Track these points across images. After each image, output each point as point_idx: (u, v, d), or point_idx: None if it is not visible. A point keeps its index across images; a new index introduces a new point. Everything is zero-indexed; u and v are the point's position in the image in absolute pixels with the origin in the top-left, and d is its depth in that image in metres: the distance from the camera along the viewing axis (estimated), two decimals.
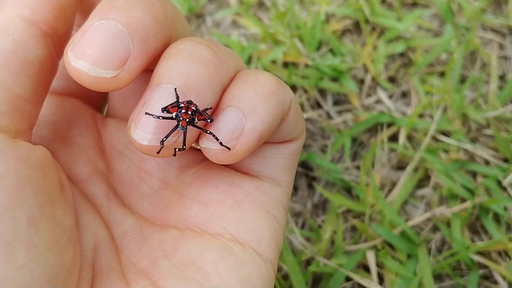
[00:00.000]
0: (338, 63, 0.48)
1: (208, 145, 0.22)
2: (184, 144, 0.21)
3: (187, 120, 0.21)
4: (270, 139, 0.25)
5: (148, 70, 0.23)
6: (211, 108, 0.22)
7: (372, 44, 0.51)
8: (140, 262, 0.24)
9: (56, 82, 0.27)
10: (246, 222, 0.24)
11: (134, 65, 0.21)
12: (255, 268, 0.24)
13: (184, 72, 0.21)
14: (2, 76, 0.20)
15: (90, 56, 0.20)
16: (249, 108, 0.22)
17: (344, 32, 0.53)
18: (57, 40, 0.23)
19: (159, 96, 0.21)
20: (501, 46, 0.52)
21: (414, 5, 0.55)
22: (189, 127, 0.21)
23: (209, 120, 0.22)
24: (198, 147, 0.26)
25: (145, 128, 0.21)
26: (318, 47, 0.51)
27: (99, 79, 0.21)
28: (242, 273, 0.23)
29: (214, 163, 0.25)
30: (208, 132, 0.22)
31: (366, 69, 0.50)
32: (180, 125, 0.21)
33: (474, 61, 0.51)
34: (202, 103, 0.21)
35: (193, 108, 0.21)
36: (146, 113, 0.21)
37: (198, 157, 0.27)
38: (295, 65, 0.50)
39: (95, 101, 0.30)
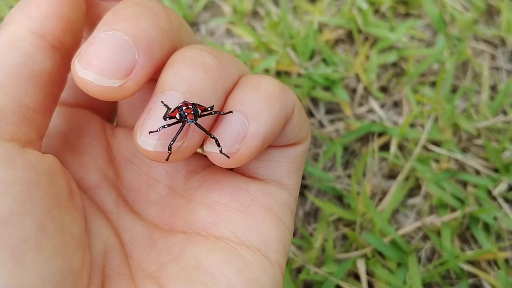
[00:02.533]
0: (331, 72, 0.48)
1: (212, 149, 0.22)
2: (207, 133, 0.22)
3: (192, 113, 0.21)
4: (274, 143, 0.26)
5: (154, 80, 0.24)
6: (213, 106, 0.22)
7: (365, 54, 0.51)
8: (149, 267, 0.24)
9: (66, 93, 0.28)
10: (252, 225, 0.25)
11: (140, 74, 0.22)
12: (262, 271, 0.24)
13: (188, 78, 0.22)
14: (12, 88, 0.21)
15: (96, 66, 0.21)
16: (252, 112, 0.22)
17: (337, 41, 0.53)
18: (65, 52, 0.24)
19: (162, 107, 0.21)
20: (493, 57, 0.52)
21: (407, 15, 0.55)
22: (194, 128, 0.22)
23: (212, 111, 0.22)
24: (204, 154, 0.27)
25: (150, 135, 0.21)
26: (311, 57, 0.51)
27: (106, 89, 0.21)
28: (249, 275, 0.23)
29: (220, 167, 0.26)
30: (212, 136, 0.22)
31: (358, 79, 0.50)
32: (188, 120, 0.21)
33: (465, 71, 0.51)
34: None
35: (192, 102, 0.21)
36: (149, 132, 0.21)
37: (204, 162, 0.27)
38: (288, 74, 0.50)
39: (105, 111, 0.30)
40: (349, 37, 0.53)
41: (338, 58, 0.50)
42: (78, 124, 0.28)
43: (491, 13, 0.55)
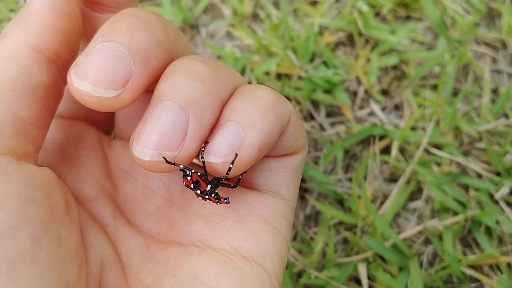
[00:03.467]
0: (331, 75, 0.48)
1: (212, 159, 0.22)
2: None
3: (187, 185, 0.23)
4: (271, 153, 0.26)
5: (151, 91, 0.24)
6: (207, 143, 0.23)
7: (365, 57, 0.51)
8: (145, 279, 0.24)
9: (63, 106, 0.28)
10: (249, 236, 0.25)
11: (135, 85, 0.22)
12: (259, 282, 0.24)
13: (184, 89, 0.22)
14: (8, 101, 0.21)
15: (92, 77, 0.21)
16: (248, 122, 0.22)
17: (338, 44, 0.53)
18: (62, 65, 0.24)
19: (159, 114, 0.22)
20: (494, 60, 0.52)
21: (408, 18, 0.55)
22: (191, 138, 0.22)
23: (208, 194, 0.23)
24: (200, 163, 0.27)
25: (146, 144, 0.21)
26: (312, 59, 0.51)
27: (101, 99, 0.21)
28: (246, 287, 0.23)
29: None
30: (202, 151, 0.22)
31: (359, 82, 0.50)
32: (183, 181, 0.23)
33: (467, 75, 0.51)
34: (202, 119, 0.22)
35: (195, 188, 0.23)
36: (167, 161, 0.22)
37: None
38: (288, 76, 0.50)
39: (102, 123, 0.30)
40: (350, 40, 0.53)
41: (338, 61, 0.50)
42: (75, 137, 0.28)
43: (492, 16, 0.55)
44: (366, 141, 0.47)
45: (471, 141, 0.46)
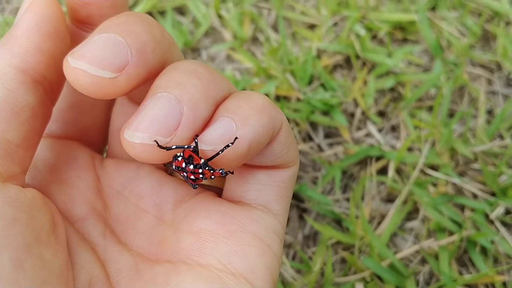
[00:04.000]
0: (329, 97, 0.49)
1: (199, 147, 0.23)
2: (170, 164, 0.23)
3: (177, 167, 0.22)
4: (261, 161, 0.26)
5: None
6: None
7: (363, 79, 0.52)
8: None
9: (54, 126, 0.28)
10: (238, 251, 0.24)
11: (132, 73, 0.22)
12: None
13: (180, 83, 0.22)
14: None
15: (89, 57, 0.21)
16: (241, 118, 0.23)
17: (335, 67, 0.54)
18: (48, 86, 0.24)
19: (154, 104, 0.22)
20: (489, 81, 0.53)
21: (405, 40, 0.56)
22: (184, 125, 0.22)
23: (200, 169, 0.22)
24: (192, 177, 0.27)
25: (138, 128, 0.21)
26: (310, 82, 0.52)
27: (98, 80, 0.21)
28: None
29: (208, 195, 0.27)
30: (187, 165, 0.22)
31: (356, 103, 0.51)
32: (173, 164, 0.22)
33: (462, 96, 0.52)
34: (196, 112, 0.22)
35: (186, 166, 0.22)
36: (158, 145, 0.21)
37: (192, 191, 0.27)
38: (287, 98, 0.51)
39: (94, 143, 0.31)
40: (347, 63, 0.54)
41: (336, 83, 0.51)
42: (67, 156, 0.28)
43: (487, 38, 0.56)
44: (364, 162, 0.48)
45: (466, 161, 0.47)
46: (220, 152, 0.22)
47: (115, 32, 0.22)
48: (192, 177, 0.23)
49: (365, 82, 0.52)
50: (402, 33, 0.56)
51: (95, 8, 0.26)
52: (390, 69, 0.52)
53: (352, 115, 0.51)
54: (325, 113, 0.50)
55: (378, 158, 0.47)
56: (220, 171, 0.22)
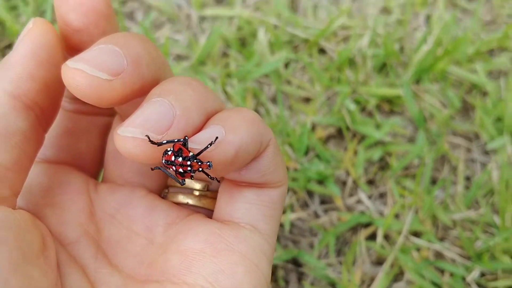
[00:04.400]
0: (323, 169, 0.55)
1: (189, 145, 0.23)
2: (157, 168, 0.24)
3: (166, 160, 0.23)
4: (249, 178, 0.26)
5: None
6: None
7: (353, 149, 0.58)
8: None
9: (49, 152, 0.29)
10: (225, 269, 0.25)
11: (127, 79, 0.23)
12: None
13: (175, 91, 0.23)
14: None
15: (87, 60, 0.22)
16: (231, 126, 0.23)
17: (329, 137, 0.60)
18: (40, 113, 0.24)
19: (148, 106, 0.22)
20: (468, 150, 0.59)
21: (391, 111, 0.62)
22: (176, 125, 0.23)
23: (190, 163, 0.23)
24: (186, 202, 0.29)
25: (131, 124, 0.22)
26: (306, 152, 0.58)
27: (95, 80, 0.22)
28: None
29: (198, 217, 0.27)
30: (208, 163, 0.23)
31: (348, 172, 0.57)
32: (163, 159, 0.23)
33: (444, 163, 0.58)
34: (188, 117, 0.23)
35: (175, 158, 0.23)
36: (150, 141, 0.22)
37: (183, 213, 0.28)
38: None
39: (89, 167, 0.31)
40: (339, 133, 0.60)
41: (329, 153, 0.57)
42: (61, 181, 0.28)
43: (467, 109, 0.62)
44: (355, 228, 0.53)
45: (446, 228, 0.53)
46: (205, 148, 0.22)
47: (112, 43, 0.23)
48: (180, 170, 0.23)
49: (355, 152, 0.58)
50: (389, 105, 0.62)
51: (85, 35, 0.26)
52: (378, 140, 0.58)
53: (344, 183, 0.56)
54: (320, 182, 0.56)
55: (368, 225, 0.53)
56: (208, 163, 0.22)
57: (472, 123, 0.61)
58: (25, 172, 0.24)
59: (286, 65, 0.65)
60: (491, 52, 0.66)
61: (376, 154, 0.57)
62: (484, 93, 0.63)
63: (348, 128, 0.59)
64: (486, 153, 0.59)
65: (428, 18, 0.69)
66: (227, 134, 0.23)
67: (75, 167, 0.30)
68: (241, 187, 0.27)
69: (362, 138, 0.59)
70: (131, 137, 0.22)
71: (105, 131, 0.31)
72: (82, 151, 0.30)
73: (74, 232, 0.26)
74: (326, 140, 0.60)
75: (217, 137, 0.22)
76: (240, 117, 0.24)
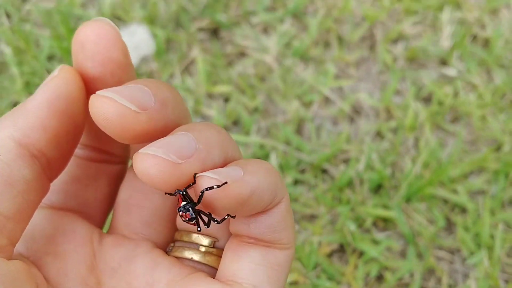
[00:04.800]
0: (330, 286, 0.65)
1: (204, 173, 0.23)
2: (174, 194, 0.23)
3: (182, 208, 0.23)
4: (257, 232, 0.25)
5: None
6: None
7: (354, 264, 0.68)
8: None
9: (55, 197, 0.28)
10: None
11: (153, 115, 0.23)
12: None
13: (199, 128, 0.23)
14: None
15: (117, 91, 0.22)
16: (250, 170, 0.23)
17: (333, 252, 0.70)
18: (46, 163, 0.24)
19: (172, 136, 0.23)
20: (451, 262, 0.69)
21: (385, 228, 0.72)
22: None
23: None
24: (190, 257, 0.28)
25: (153, 145, 0.22)
26: (314, 267, 0.68)
27: (123, 109, 0.22)
28: None
29: (200, 276, 0.27)
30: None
31: (349, 285, 0.67)
32: (181, 205, 0.23)
33: (431, 275, 0.68)
34: (209, 153, 0.23)
35: (187, 213, 0.23)
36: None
37: (184, 271, 0.27)
38: (296, 283, 0.67)
39: (94, 216, 0.30)
40: (342, 247, 0.70)
41: (334, 268, 0.67)
42: (65, 229, 0.27)
43: (450, 225, 0.73)
44: None
45: None
46: (209, 188, 0.22)
47: (143, 84, 0.23)
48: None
49: (356, 266, 0.68)
50: (384, 222, 0.72)
51: (100, 84, 0.26)
52: (374, 257, 0.68)
53: None
54: None
55: None
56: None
57: (455, 238, 0.71)
58: (26, 221, 0.24)
59: (295, 183, 0.75)
60: (471, 172, 0.77)
61: (374, 270, 0.67)
62: (464, 210, 0.74)
63: (349, 244, 0.70)
64: (467, 266, 0.69)
65: (416, 141, 0.80)
66: (245, 175, 0.23)
67: (80, 215, 0.29)
68: (247, 245, 0.26)
69: (361, 253, 0.69)
70: (152, 154, 0.21)
71: (114, 180, 0.31)
72: (89, 198, 0.29)
73: (73, 284, 0.26)
74: (330, 254, 0.70)
75: (225, 182, 0.22)
76: (259, 164, 0.24)
